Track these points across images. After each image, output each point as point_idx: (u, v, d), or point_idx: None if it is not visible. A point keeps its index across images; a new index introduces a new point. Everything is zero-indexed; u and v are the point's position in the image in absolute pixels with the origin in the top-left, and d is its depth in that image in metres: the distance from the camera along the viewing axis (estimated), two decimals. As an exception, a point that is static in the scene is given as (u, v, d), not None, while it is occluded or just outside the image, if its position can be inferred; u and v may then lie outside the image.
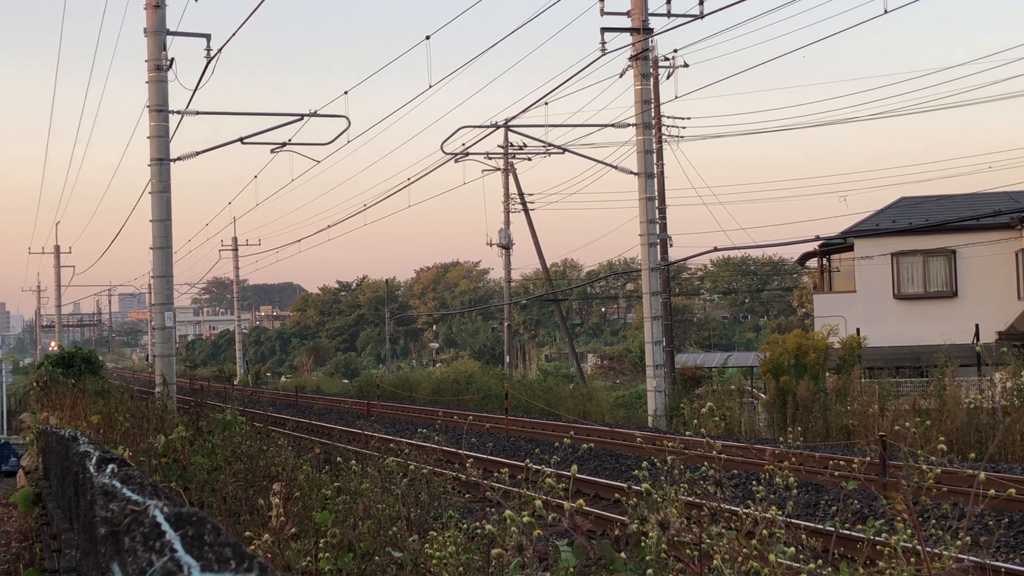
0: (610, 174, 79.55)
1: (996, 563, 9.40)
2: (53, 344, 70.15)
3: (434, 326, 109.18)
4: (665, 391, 31.07)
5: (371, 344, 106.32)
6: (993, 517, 10.16)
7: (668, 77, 37.56)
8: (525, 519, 4.47)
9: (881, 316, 35.72)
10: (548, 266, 53.93)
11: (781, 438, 6.89)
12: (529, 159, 47.02)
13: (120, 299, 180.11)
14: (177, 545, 1.72)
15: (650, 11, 29.73)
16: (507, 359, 53.45)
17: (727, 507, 4.51)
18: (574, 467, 4.78)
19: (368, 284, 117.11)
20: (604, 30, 29.06)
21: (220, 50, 24.79)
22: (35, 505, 12.67)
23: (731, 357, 46.35)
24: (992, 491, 4.51)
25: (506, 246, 51.58)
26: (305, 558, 5.93)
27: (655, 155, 32.61)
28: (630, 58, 30.32)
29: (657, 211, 32.77)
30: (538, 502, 4.53)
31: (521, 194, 49.04)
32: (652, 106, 32.11)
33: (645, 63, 30.53)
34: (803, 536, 4.60)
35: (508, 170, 49.10)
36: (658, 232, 32.39)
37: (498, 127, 37.58)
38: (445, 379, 47.75)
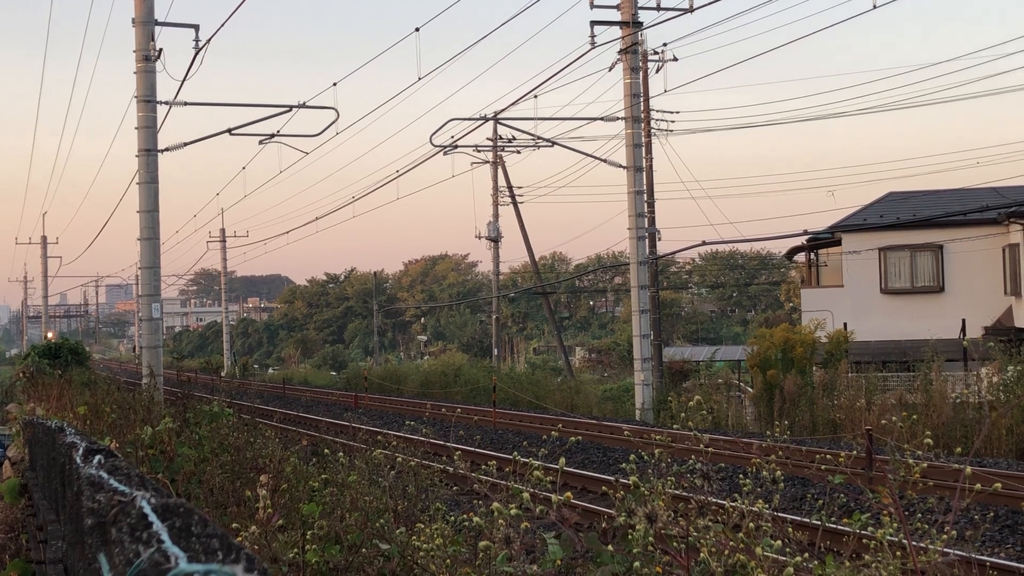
0: (599, 168, 79.55)
1: (982, 557, 9.44)
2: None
3: (422, 319, 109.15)
4: (653, 385, 31.10)
5: (359, 336, 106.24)
6: (979, 511, 10.22)
7: (657, 71, 37.63)
8: (513, 512, 4.47)
9: (868, 311, 35.82)
10: (537, 259, 53.95)
11: (768, 432, 6.90)
12: (518, 152, 47.10)
13: (107, 290, 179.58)
14: (164, 536, 1.71)
15: (640, 4, 29.73)
16: (495, 352, 53.49)
17: (714, 500, 4.52)
18: (562, 460, 4.78)
19: (356, 276, 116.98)
20: (594, 23, 29.05)
21: (208, 41, 24.69)
22: (21, 496, 12.63)
23: (719, 351, 46.45)
24: (978, 485, 4.53)
25: (495, 239, 51.58)
26: (292, 550, 5.92)
27: (644, 149, 32.61)
28: (620, 52, 30.31)
29: (646, 205, 32.80)
30: (526, 495, 4.53)
31: (510, 187, 49.05)
32: (641, 100, 32.11)
33: (634, 57, 30.52)
34: (789, 529, 4.61)
35: (497, 163, 49.10)
36: (646, 226, 32.41)
37: (487, 120, 37.52)
38: (433, 372, 47.72)
